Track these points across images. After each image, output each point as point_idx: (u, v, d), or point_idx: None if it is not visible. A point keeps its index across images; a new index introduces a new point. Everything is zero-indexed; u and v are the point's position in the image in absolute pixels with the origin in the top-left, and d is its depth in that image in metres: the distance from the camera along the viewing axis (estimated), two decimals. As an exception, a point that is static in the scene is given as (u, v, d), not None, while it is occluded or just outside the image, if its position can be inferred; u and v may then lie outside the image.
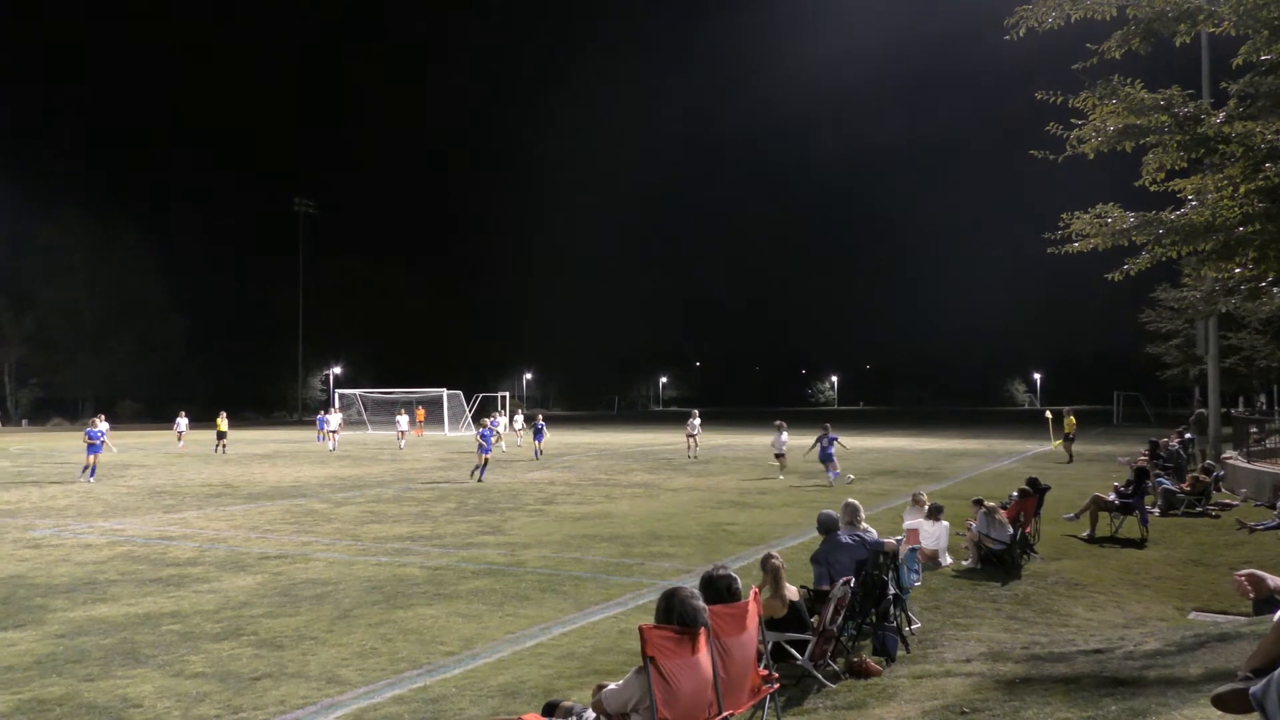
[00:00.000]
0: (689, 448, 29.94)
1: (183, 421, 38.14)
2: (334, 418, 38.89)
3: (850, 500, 8.76)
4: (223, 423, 35.68)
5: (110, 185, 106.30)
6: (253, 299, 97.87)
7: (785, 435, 24.02)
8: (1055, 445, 32.37)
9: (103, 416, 26.34)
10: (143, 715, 6.17)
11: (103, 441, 23.87)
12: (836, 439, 22.78)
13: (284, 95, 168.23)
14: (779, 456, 23.84)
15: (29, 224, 76.23)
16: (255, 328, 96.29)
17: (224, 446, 34.69)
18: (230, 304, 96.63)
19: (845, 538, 7.80)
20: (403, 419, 39.30)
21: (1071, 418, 30.80)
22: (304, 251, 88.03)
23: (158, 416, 78.16)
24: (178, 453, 34.71)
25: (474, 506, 17.47)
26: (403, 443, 38.34)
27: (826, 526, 8.08)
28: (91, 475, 22.96)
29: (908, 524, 11.67)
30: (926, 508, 12.00)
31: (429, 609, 9.12)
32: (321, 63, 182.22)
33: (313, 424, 56.31)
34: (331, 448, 36.37)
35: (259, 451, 35.70)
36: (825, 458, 22.23)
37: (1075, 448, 30.90)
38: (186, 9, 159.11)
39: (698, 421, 30.07)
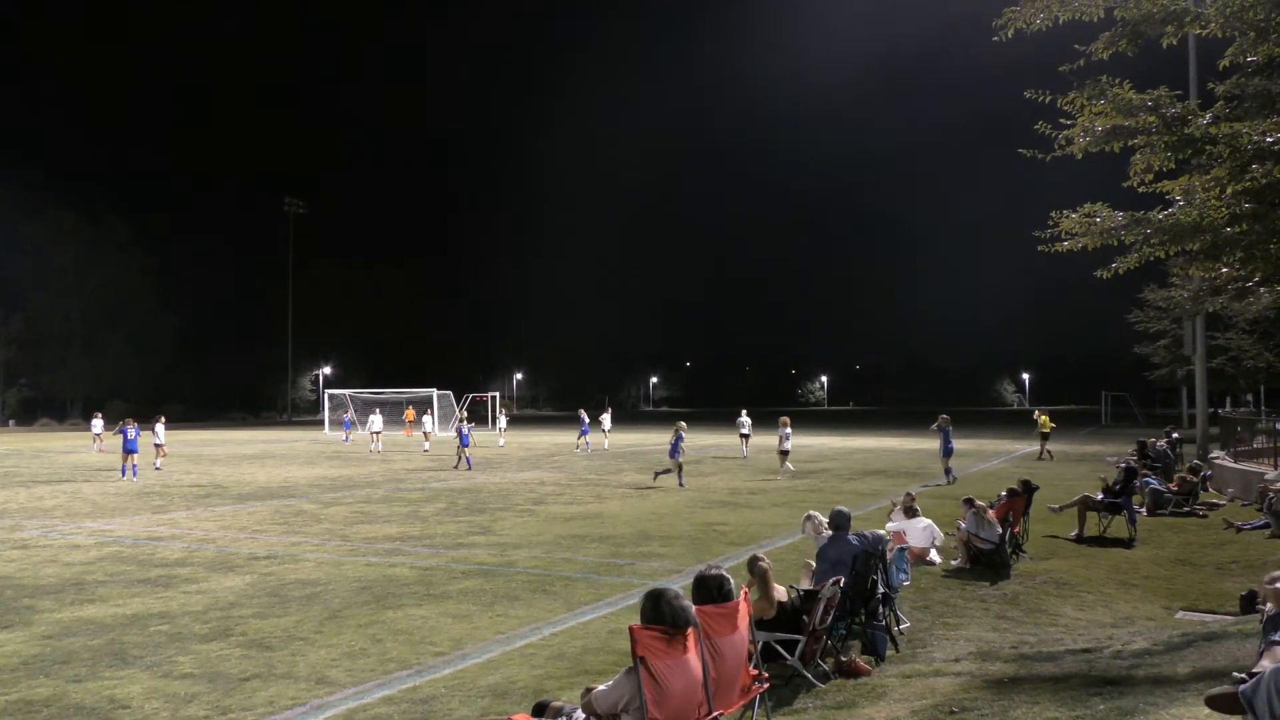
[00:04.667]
0: (744, 445, 30.09)
1: (102, 424, 36.84)
2: (376, 419, 36.66)
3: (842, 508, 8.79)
4: (428, 422, 34.99)
5: (100, 185, 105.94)
6: (243, 299, 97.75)
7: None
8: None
9: (128, 419, 26.54)
10: (131, 716, 6.14)
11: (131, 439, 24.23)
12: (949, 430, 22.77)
13: (276, 95, 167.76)
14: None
15: (18, 223, 75.80)
16: (245, 328, 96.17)
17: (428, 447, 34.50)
18: (220, 304, 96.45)
19: (853, 539, 7.77)
20: (428, 419, 38.53)
21: (1045, 417, 31.95)
22: (294, 252, 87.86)
23: (148, 417, 77.83)
24: (95, 454, 34.06)
25: (464, 507, 17.45)
26: (427, 444, 36.77)
27: (838, 523, 8.01)
28: (134, 474, 23.70)
29: (891, 526, 11.67)
30: (903, 509, 12.04)
31: (419, 609, 9.10)
32: (315, 63, 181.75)
33: (305, 424, 56.03)
34: (374, 448, 35.34)
35: (248, 452, 35.57)
36: (948, 452, 22.45)
37: (1053, 446, 31.85)
38: (182, 8, 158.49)
39: (749, 420, 30.27)
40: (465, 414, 30.35)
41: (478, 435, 47.15)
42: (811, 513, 8.85)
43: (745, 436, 30.48)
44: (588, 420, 36.97)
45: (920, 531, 11.55)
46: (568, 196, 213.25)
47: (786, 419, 24.47)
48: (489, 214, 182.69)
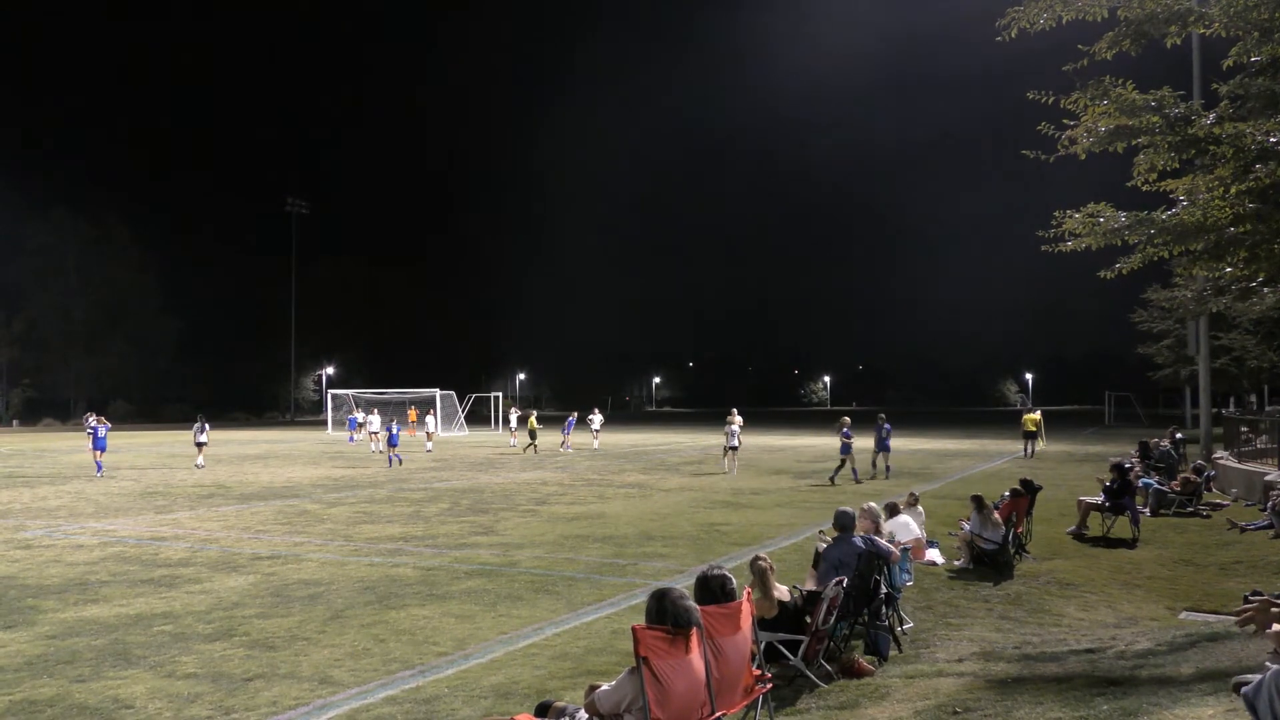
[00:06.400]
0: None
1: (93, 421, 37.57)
2: (374, 419, 36.94)
3: (871, 505, 8.82)
4: (534, 421, 35.22)
5: (102, 185, 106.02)
6: (245, 299, 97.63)
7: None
8: (1043, 444, 33.16)
9: (99, 417, 27.28)
10: (134, 716, 6.15)
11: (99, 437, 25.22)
12: (890, 429, 24.06)
13: (277, 94, 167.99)
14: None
15: (20, 224, 75.93)
16: (247, 328, 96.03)
17: (536, 448, 34.53)
18: (222, 304, 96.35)
19: (859, 540, 7.72)
20: (430, 420, 38.58)
21: (1029, 415, 32.36)
22: (297, 251, 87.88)
23: (150, 417, 78.03)
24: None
25: (467, 507, 17.45)
26: (430, 444, 36.71)
27: (842, 524, 7.97)
28: (99, 470, 24.63)
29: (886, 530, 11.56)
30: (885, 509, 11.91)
31: (422, 609, 9.11)
32: (316, 62, 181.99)
33: (308, 424, 55.93)
34: (376, 448, 35.39)
35: (251, 452, 35.61)
36: (882, 448, 23.78)
37: (1038, 445, 32.22)
38: (183, 8, 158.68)
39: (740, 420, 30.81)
40: (394, 415, 31.17)
41: (482, 436, 47.21)
42: (869, 504, 8.94)
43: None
44: (574, 420, 37.63)
45: (901, 527, 11.44)
46: (569, 196, 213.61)
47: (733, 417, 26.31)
48: (491, 214, 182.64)
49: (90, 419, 37.01)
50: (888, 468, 24.08)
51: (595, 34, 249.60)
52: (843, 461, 22.85)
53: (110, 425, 25.92)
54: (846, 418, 24.13)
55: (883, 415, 25.51)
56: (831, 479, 22.22)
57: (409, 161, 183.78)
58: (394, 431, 28.67)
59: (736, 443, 25.20)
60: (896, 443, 36.45)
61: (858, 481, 22.24)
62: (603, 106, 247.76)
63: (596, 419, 38.60)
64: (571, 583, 10.41)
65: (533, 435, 34.71)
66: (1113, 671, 6.33)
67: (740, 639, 4.83)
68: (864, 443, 25.26)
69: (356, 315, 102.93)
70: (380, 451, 34.57)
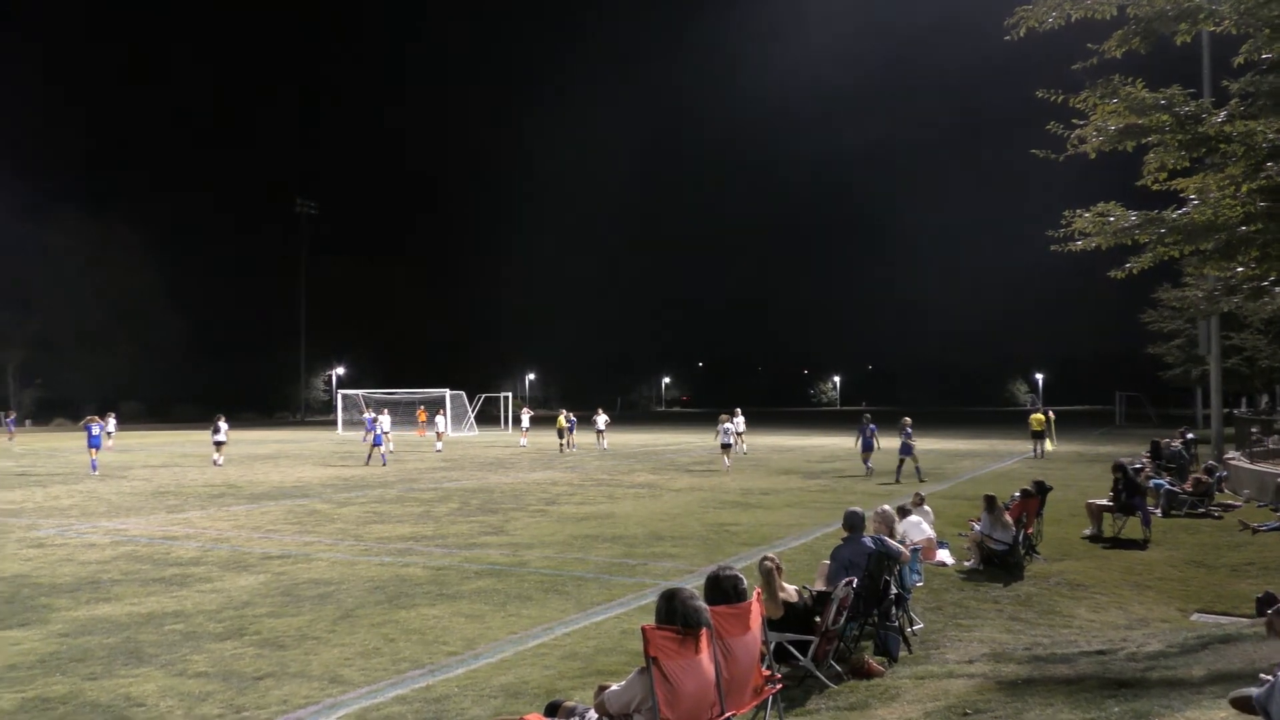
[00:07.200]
0: (741, 443, 31.64)
1: (114, 423, 38.48)
2: (385, 419, 37.45)
3: (886, 508, 8.82)
4: (563, 420, 35.49)
5: (112, 185, 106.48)
6: (255, 300, 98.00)
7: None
8: (1052, 445, 33.09)
9: (93, 416, 28.26)
10: (145, 714, 6.18)
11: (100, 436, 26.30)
12: (875, 429, 24.51)
13: (288, 96, 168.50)
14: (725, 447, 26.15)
15: (31, 225, 76.37)
16: (257, 328, 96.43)
17: (566, 445, 35.12)
18: (232, 304, 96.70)
19: (869, 541, 7.70)
20: (440, 420, 38.59)
21: (1036, 415, 32.32)
22: (306, 252, 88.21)
23: (160, 417, 78.40)
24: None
25: (476, 507, 17.48)
26: (440, 444, 37.08)
27: (851, 524, 7.95)
28: (93, 468, 25.36)
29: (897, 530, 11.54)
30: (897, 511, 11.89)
31: (431, 609, 9.13)
32: (323, 63, 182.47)
33: (318, 424, 55.92)
34: (389, 448, 35.75)
35: (262, 452, 35.72)
36: (868, 447, 24.30)
37: (1047, 446, 32.16)
38: (186, 8, 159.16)
39: (741, 420, 31.31)
40: (384, 411, 32.52)
41: (492, 436, 47.23)
42: (884, 507, 8.96)
43: (739, 435, 31.66)
44: (575, 421, 37.94)
45: (913, 527, 11.43)
46: (575, 196, 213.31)
47: (727, 416, 27.46)
48: (502, 214, 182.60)
49: (109, 419, 37.62)
50: (868, 467, 24.50)
51: (595, 34, 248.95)
52: (901, 461, 23.24)
53: (103, 425, 26.90)
54: (907, 418, 24.36)
55: (868, 415, 25.99)
56: (918, 476, 22.59)
57: (416, 162, 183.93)
58: (380, 430, 29.81)
59: (729, 440, 26.09)
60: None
61: (867, 473, 22.89)
62: (605, 104, 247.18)
63: (601, 419, 38.60)
64: (581, 583, 10.42)
65: (561, 434, 35.36)
66: (1124, 673, 6.31)
67: (750, 639, 4.83)
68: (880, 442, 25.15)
69: (366, 315, 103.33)
70: (392, 451, 34.64)
